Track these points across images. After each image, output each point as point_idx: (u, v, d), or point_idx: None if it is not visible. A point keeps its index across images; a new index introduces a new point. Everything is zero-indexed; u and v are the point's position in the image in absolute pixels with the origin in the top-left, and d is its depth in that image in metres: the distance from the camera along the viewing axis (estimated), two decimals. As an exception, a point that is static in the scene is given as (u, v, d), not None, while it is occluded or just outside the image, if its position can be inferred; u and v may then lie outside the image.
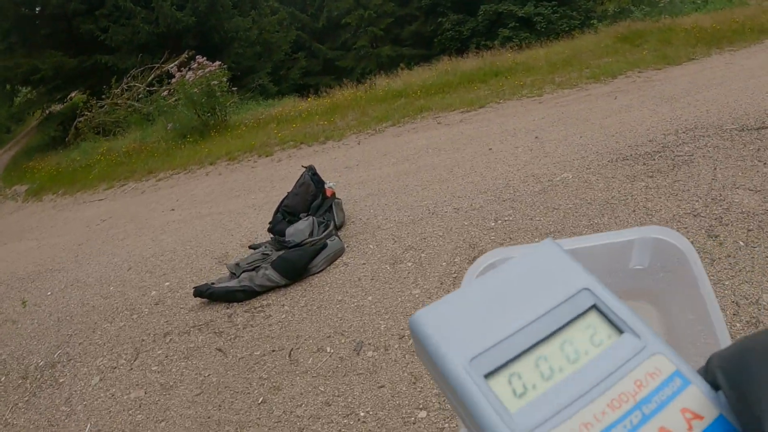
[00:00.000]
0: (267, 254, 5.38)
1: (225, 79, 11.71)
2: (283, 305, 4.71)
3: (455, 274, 4.53)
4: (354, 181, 7.28)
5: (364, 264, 5.04)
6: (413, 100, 10.28)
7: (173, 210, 8.32)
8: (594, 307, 0.31)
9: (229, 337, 4.41)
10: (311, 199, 6.00)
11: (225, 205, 7.61)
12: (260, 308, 4.76)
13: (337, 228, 5.91)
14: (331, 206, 6.00)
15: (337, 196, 6.19)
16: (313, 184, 5.99)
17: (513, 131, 7.23)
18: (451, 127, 8.39)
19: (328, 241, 5.43)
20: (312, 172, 6.06)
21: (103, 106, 14.91)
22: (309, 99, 13.35)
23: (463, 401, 0.28)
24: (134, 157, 11.75)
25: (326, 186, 6.08)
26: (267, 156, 9.25)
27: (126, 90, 15.26)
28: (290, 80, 19.65)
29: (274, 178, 8.08)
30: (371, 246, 5.34)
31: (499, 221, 5.23)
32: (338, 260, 5.28)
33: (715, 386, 0.27)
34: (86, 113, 14.82)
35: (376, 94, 11.06)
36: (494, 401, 0.28)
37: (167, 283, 5.67)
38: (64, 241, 7.85)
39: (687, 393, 0.27)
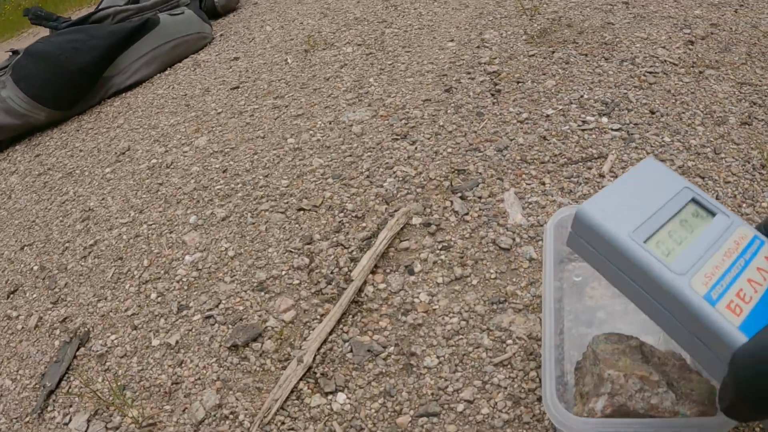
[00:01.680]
0: (17, 53, 1.31)
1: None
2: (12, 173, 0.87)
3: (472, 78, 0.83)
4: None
5: (237, 60, 0.96)
6: None
7: None
8: (693, 199, 0.38)
9: None
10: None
11: None
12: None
13: None
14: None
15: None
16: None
17: None
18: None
19: (163, 14, 1.26)
20: None
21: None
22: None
23: (631, 259, 0.34)
24: None
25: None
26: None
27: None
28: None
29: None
30: (274, 17, 1.29)
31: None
32: (188, 58, 1.24)
33: None
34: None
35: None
36: (655, 256, 0.34)
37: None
38: None
39: (765, 247, 0.35)
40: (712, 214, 0.37)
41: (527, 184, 0.82)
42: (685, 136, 0.88)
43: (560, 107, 0.97)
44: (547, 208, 0.77)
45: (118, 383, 0.73)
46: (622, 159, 0.85)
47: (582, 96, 1.00)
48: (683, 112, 0.94)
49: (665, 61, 1.09)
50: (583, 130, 0.91)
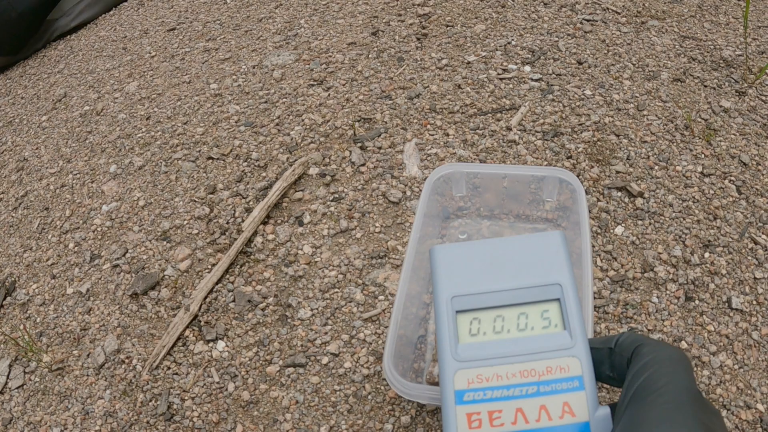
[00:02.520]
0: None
1: None
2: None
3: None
4: None
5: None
6: None
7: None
8: (558, 300, 0.32)
9: None
10: None
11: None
12: None
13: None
14: None
15: None
16: None
17: None
18: None
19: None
20: None
21: None
22: None
23: (437, 322, 0.31)
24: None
25: None
26: None
27: None
28: None
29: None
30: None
31: None
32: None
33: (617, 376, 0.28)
34: None
35: None
36: (453, 331, 0.31)
37: None
38: None
39: (576, 395, 0.28)
40: (563, 326, 0.31)
41: (431, 134, 0.79)
42: (609, 90, 0.85)
43: (484, 54, 0.93)
44: (447, 160, 0.75)
45: (36, 330, 0.75)
46: (534, 111, 0.82)
47: (509, 42, 0.95)
48: (613, 65, 0.89)
49: (608, 8, 1.04)
50: (501, 79, 0.88)
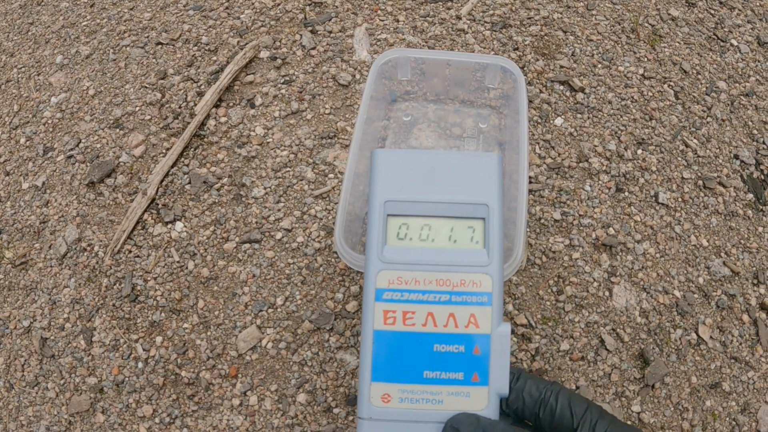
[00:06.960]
0: None
1: None
2: None
3: None
4: None
5: None
6: None
7: None
8: (483, 219, 0.32)
9: None
10: None
11: None
12: None
13: None
14: None
15: None
16: None
17: None
18: None
19: None
20: None
21: None
22: None
23: (369, 222, 0.32)
24: None
25: None
26: None
27: None
28: None
29: None
30: None
31: None
32: None
33: None
34: None
35: None
36: (382, 233, 0.31)
37: None
38: None
39: (482, 309, 0.30)
40: (483, 245, 0.32)
41: (381, 20, 0.75)
42: (560, -14, 0.81)
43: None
44: (396, 46, 0.72)
45: (-5, 229, 0.73)
46: (485, 2, 0.78)
47: None
48: (567, -37, 0.84)
49: None
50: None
